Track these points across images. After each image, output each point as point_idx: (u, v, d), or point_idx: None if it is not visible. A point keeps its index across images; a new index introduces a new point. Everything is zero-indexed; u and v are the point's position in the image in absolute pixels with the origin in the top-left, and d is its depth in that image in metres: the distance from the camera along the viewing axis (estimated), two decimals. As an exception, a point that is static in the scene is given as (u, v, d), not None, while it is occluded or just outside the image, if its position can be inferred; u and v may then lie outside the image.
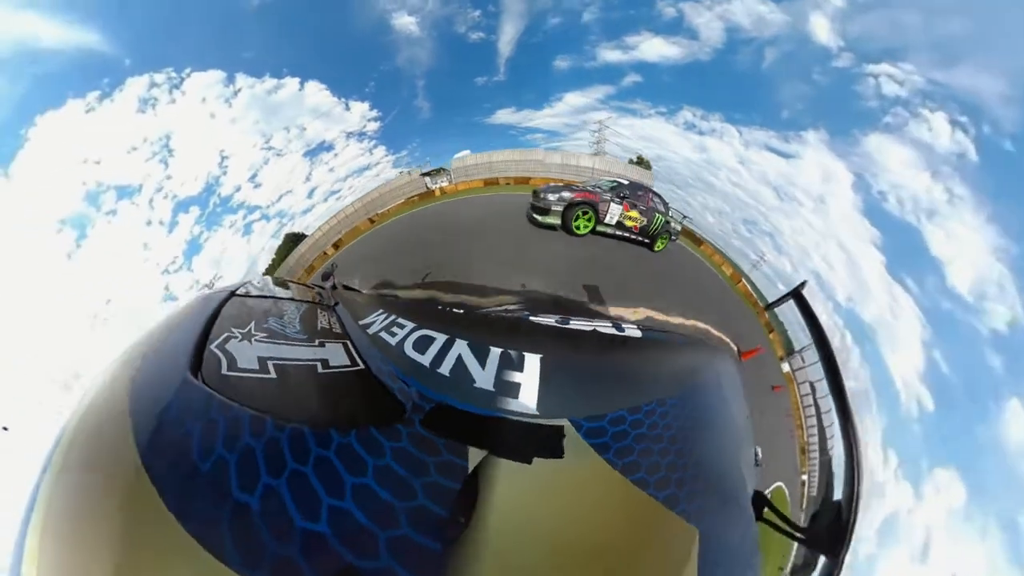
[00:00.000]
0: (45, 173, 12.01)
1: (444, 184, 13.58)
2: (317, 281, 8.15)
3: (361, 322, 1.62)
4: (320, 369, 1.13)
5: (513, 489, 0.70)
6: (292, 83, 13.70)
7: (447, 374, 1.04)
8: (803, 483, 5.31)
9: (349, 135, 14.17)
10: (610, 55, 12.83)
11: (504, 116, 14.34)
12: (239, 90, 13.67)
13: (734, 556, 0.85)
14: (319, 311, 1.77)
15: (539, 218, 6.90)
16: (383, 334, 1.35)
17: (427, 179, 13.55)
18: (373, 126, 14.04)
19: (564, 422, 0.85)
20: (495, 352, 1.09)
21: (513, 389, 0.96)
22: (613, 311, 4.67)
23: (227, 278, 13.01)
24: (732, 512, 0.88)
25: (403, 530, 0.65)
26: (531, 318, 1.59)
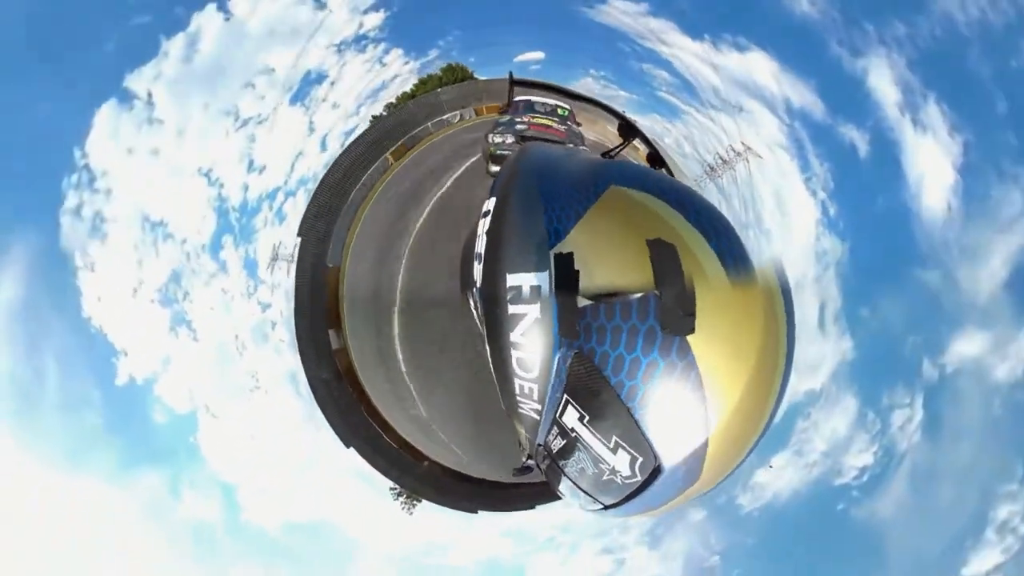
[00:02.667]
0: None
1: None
2: None
3: None
4: None
5: None
6: (208, 18, 8.38)
7: None
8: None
9: (341, 47, 9.64)
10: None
11: (622, 16, 8.87)
12: (149, 95, 8.57)
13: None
14: None
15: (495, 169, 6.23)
16: None
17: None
18: (372, 19, 9.33)
19: None
20: None
21: None
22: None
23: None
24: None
25: None
26: None
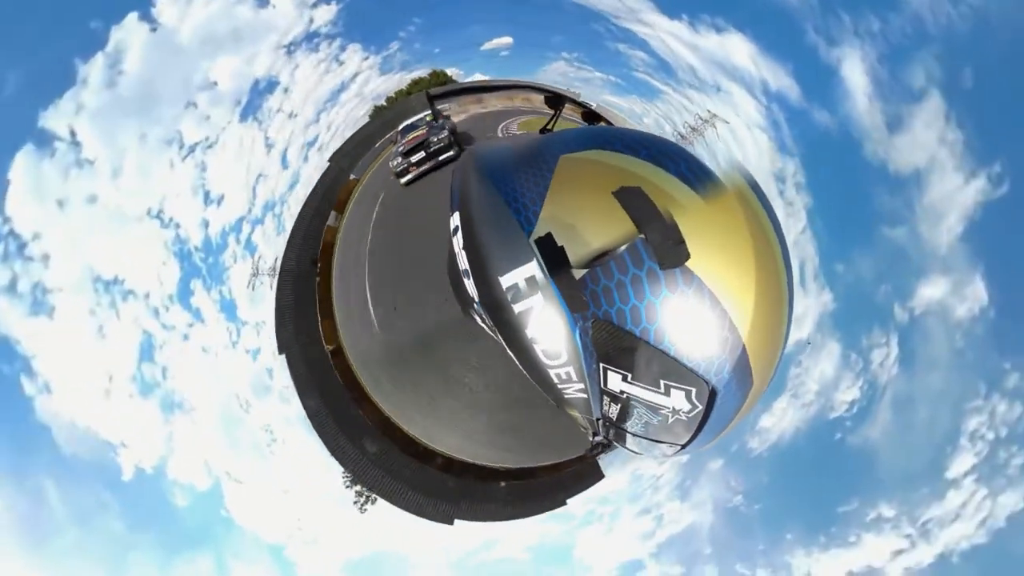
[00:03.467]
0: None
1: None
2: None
3: None
4: None
5: None
6: (131, 30, 6.91)
7: None
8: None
9: (290, 48, 8.32)
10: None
11: None
12: (73, 134, 7.07)
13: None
14: None
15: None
16: None
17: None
18: (322, 14, 8.06)
19: None
20: None
21: None
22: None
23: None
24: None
25: None
26: None
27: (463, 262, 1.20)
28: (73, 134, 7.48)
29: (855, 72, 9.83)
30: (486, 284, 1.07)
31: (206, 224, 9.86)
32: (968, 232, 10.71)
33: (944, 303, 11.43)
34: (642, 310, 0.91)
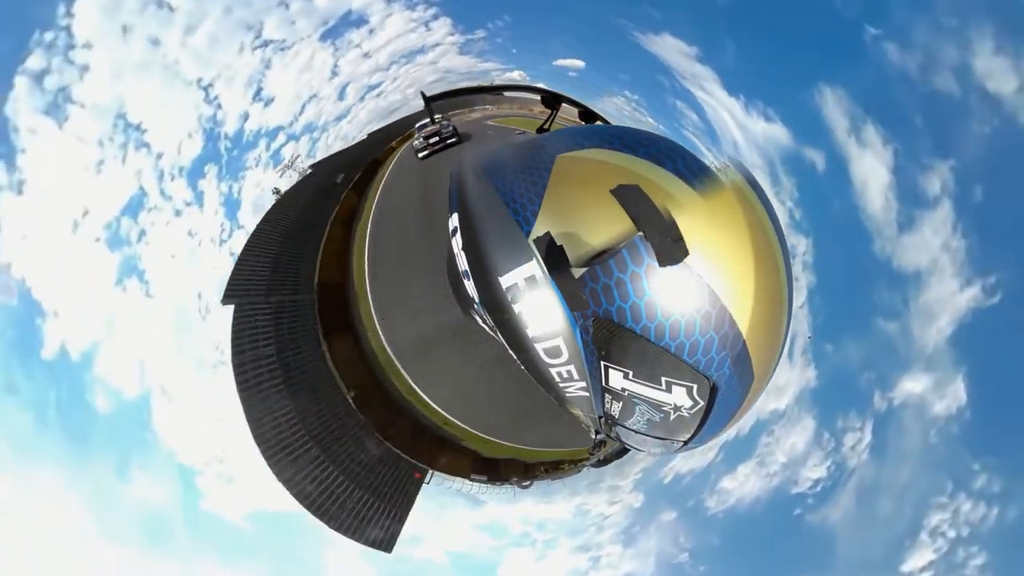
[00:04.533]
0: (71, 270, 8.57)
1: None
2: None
3: None
4: None
5: None
6: None
7: None
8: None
9: None
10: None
11: (672, 50, 8.64)
12: None
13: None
14: None
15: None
16: None
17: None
18: None
19: None
20: None
21: None
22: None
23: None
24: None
25: None
26: None
27: (462, 263, 1.21)
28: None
29: (877, 170, 10.56)
30: (486, 285, 1.08)
31: (245, 117, 10.04)
32: (957, 335, 11.23)
33: (924, 398, 11.80)
34: (642, 307, 0.91)
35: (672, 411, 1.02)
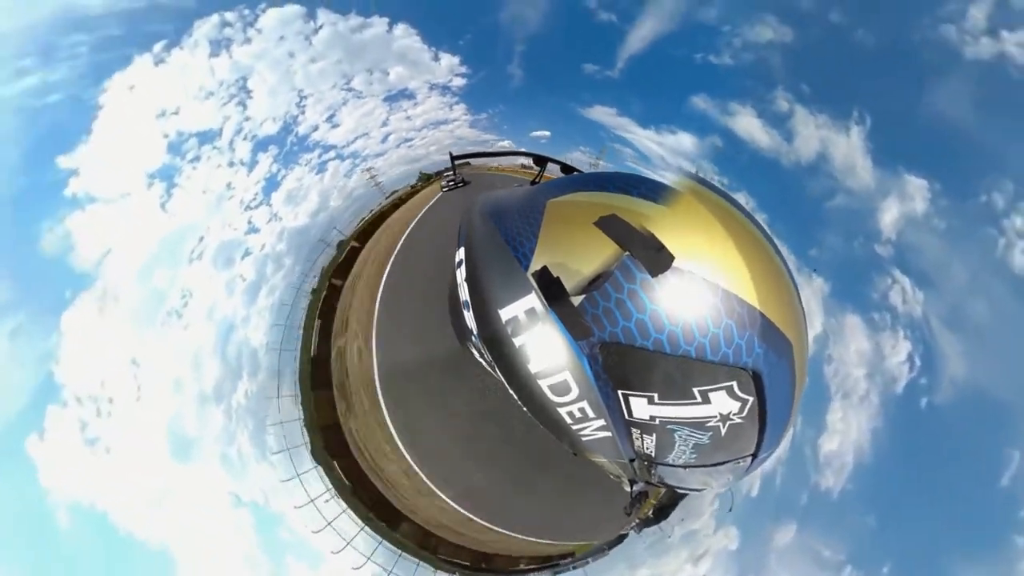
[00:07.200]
0: (127, 133, 10.35)
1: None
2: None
3: None
4: None
5: None
6: (380, 24, 13.84)
7: None
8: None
9: (432, 87, 14.73)
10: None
11: (601, 114, 13.89)
12: (320, 27, 13.18)
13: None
14: None
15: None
16: None
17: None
18: (459, 82, 14.65)
19: None
20: None
21: None
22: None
23: (301, 210, 13.50)
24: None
25: None
26: None
27: (464, 293, 1.26)
28: (317, 29, 13.00)
29: (751, 121, 12.09)
30: (486, 317, 1.11)
31: (315, 128, 13.58)
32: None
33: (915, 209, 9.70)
34: (647, 321, 0.91)
35: (720, 423, 0.97)
